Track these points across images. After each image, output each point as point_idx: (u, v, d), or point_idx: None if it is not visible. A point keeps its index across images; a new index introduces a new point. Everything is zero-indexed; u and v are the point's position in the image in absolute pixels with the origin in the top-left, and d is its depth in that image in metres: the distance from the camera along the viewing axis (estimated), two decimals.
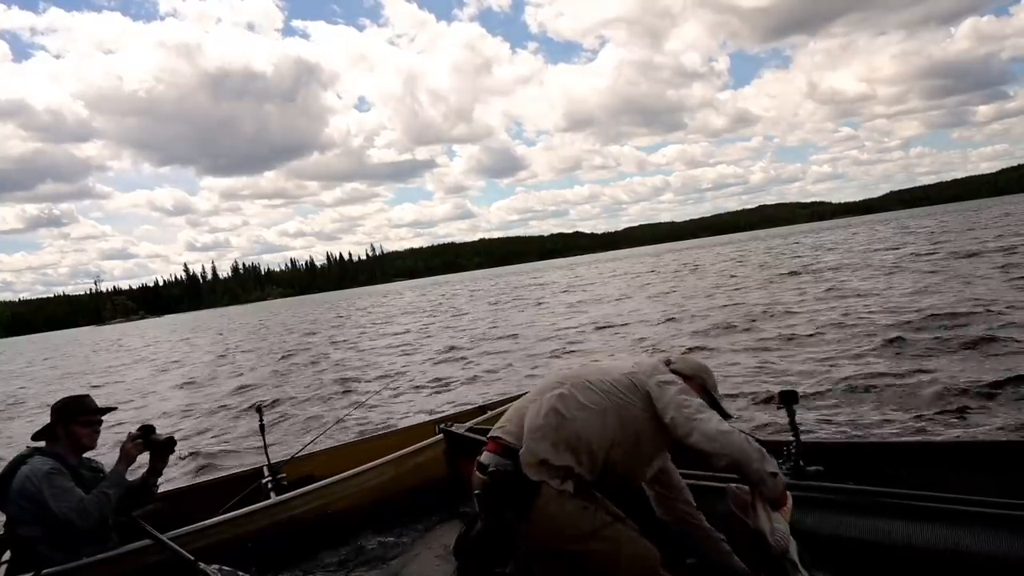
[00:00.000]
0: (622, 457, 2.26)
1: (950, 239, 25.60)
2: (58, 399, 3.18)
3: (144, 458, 3.23)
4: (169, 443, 3.25)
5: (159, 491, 3.43)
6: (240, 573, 2.90)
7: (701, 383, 2.45)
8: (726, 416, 2.42)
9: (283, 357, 16.30)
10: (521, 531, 2.22)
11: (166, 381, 14.81)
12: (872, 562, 2.24)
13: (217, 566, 2.89)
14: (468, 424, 3.91)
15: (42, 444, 3.10)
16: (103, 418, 3.23)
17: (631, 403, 2.29)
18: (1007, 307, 8.48)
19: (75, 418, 3.08)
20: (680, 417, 2.21)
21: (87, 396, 3.22)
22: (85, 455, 3.18)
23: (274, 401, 9.46)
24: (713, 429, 2.17)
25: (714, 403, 2.42)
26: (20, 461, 3.00)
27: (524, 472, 2.19)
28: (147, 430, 3.22)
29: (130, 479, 3.20)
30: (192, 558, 2.87)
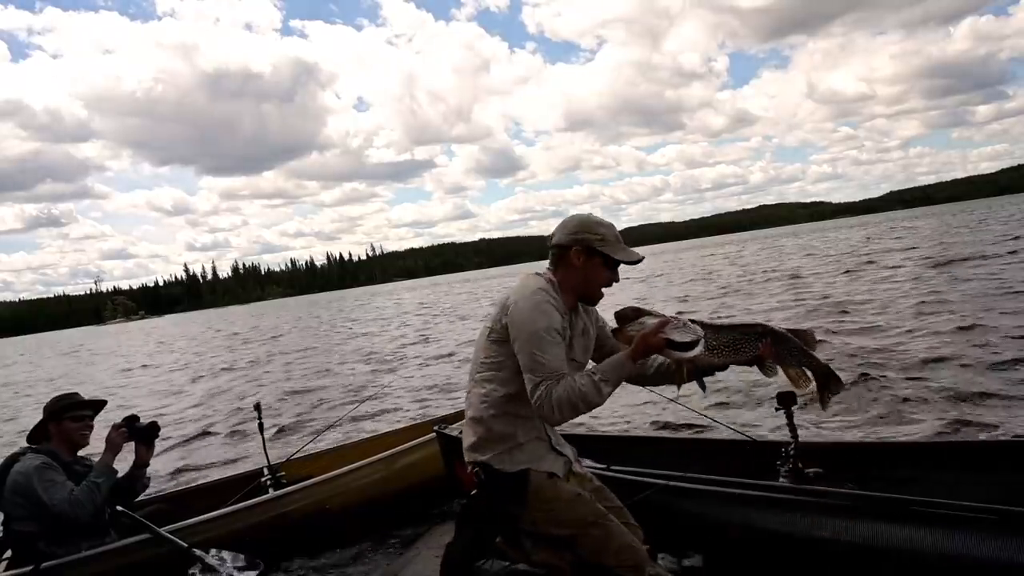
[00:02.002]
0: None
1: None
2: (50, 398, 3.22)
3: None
4: (152, 428, 3.31)
5: (155, 491, 3.46)
6: (233, 554, 2.97)
7: (582, 244, 2.17)
8: (636, 260, 2.20)
9: (282, 355, 16.30)
10: (520, 518, 2.23)
11: (162, 381, 14.81)
12: (871, 566, 2.23)
13: (215, 550, 2.99)
14: (463, 423, 3.90)
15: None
16: (98, 415, 3.25)
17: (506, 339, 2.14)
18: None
19: (65, 415, 3.10)
20: (527, 380, 2.06)
21: (76, 393, 3.25)
22: (80, 453, 3.21)
23: (273, 400, 9.45)
24: (555, 398, 1.99)
25: (608, 261, 2.19)
26: (13, 459, 3.03)
27: (493, 464, 2.20)
28: (130, 419, 3.28)
29: (120, 473, 3.23)
30: (186, 545, 2.94)
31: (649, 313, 2.16)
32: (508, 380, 2.17)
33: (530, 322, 2.07)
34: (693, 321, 2.15)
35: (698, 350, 2.09)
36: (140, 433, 3.27)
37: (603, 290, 2.28)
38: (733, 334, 2.22)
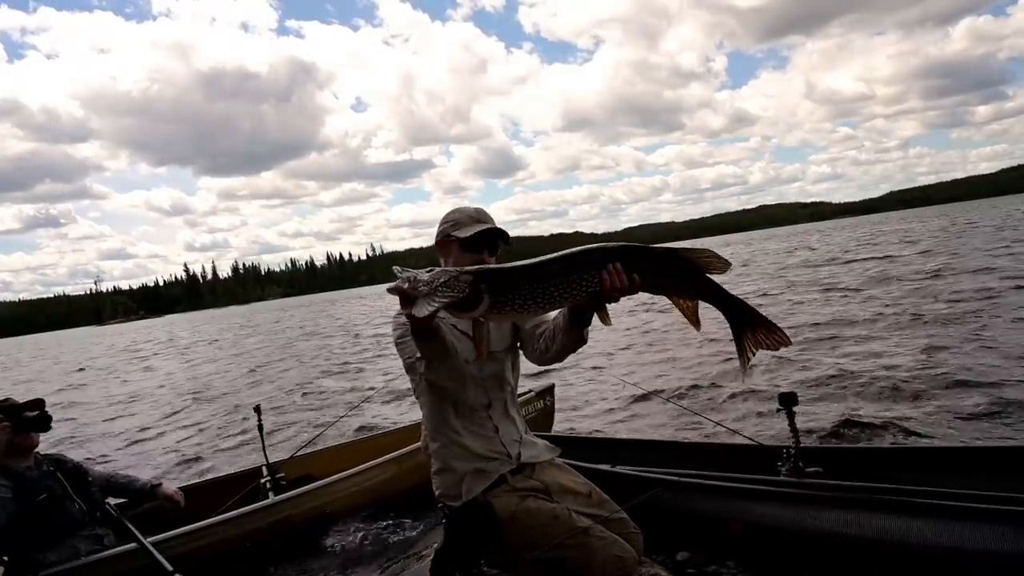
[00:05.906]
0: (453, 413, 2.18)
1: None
2: None
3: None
4: (44, 419, 3.06)
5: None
6: None
7: (441, 235, 2.19)
8: (478, 232, 2.10)
9: (283, 356, 16.29)
10: (497, 543, 2.17)
11: (161, 379, 14.80)
12: (869, 559, 2.23)
13: None
14: None
15: None
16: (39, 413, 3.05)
17: None
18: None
19: None
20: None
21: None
22: (43, 453, 3.12)
23: (273, 400, 9.45)
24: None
25: (464, 243, 2.13)
26: None
27: (448, 500, 2.19)
28: (16, 409, 3.01)
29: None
30: (171, 568, 2.81)
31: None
32: (423, 397, 2.20)
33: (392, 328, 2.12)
34: (479, 270, 1.62)
35: (482, 309, 1.59)
36: (31, 424, 3.02)
37: None
38: (548, 272, 1.61)
